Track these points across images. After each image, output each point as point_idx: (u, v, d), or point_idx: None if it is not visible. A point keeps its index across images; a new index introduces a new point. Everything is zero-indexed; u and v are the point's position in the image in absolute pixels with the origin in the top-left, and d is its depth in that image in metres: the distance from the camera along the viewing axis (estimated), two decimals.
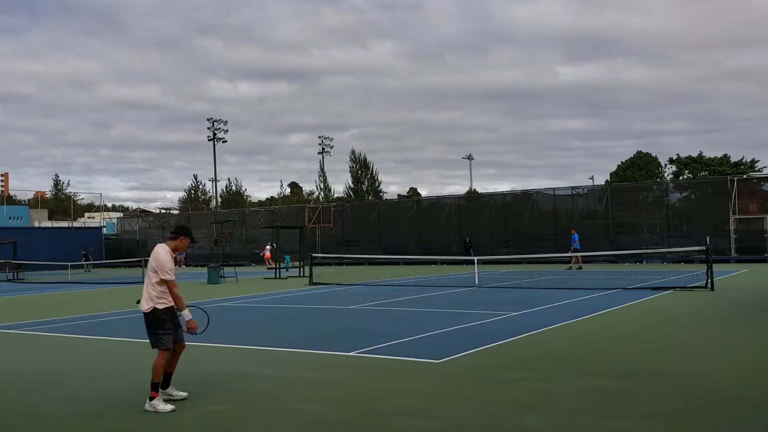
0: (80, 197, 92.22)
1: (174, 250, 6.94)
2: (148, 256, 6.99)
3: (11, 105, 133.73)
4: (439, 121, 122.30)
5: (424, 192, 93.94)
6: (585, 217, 38.88)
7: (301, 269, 31.34)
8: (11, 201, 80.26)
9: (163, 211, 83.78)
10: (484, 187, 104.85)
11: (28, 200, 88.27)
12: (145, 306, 6.73)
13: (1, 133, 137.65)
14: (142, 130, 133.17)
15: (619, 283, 20.81)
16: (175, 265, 7.05)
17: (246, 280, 29.69)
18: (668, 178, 62.83)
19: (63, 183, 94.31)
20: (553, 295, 17.65)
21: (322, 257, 39.55)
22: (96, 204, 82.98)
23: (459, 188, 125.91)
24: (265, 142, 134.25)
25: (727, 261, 32.17)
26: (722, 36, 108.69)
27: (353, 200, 69.33)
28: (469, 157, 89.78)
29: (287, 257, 37.38)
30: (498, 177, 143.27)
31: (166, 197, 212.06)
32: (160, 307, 6.71)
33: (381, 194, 77.67)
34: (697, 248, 25.51)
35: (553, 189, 41.46)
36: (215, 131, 68.05)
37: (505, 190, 48.49)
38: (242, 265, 43.97)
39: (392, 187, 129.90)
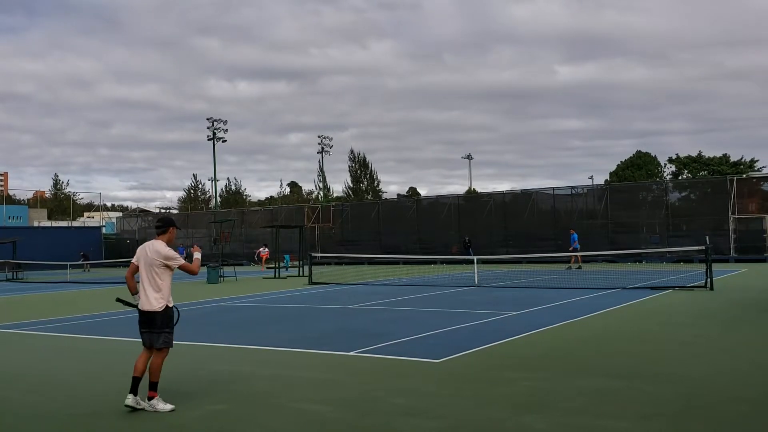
0: (80, 197, 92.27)
1: (168, 243, 6.90)
2: None
3: (10, 104, 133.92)
4: (438, 121, 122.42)
5: (423, 191, 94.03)
6: (584, 217, 38.90)
7: (301, 269, 31.34)
8: (10, 200, 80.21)
9: (162, 210, 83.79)
10: (483, 186, 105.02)
11: (28, 200, 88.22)
12: (157, 305, 6.65)
13: (0, 132, 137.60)
14: (142, 130, 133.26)
15: (619, 283, 20.82)
16: None
17: (245, 279, 29.70)
18: (668, 177, 62.83)
19: (62, 182, 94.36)
20: (552, 294, 17.66)
21: (321, 257, 39.57)
22: (95, 203, 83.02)
23: (458, 188, 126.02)
24: (265, 142, 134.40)
25: (726, 261, 32.19)
26: (721, 36, 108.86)
27: (353, 200, 69.35)
28: (469, 157, 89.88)
29: (287, 257, 37.38)
30: (497, 177, 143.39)
31: (166, 197, 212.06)
32: (170, 305, 6.73)
33: (381, 194, 77.73)
34: (696, 248, 25.52)
35: (553, 189, 41.50)
36: (215, 131, 68.03)
37: (504, 189, 48.57)
38: (241, 265, 43.97)
39: (392, 186, 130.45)
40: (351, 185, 78.38)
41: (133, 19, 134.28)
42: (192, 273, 6.87)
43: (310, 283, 24.87)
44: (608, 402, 6.41)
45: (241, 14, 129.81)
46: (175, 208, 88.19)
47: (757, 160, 61.97)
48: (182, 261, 6.74)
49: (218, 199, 77.68)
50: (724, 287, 18.28)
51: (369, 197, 73.37)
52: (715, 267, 19.39)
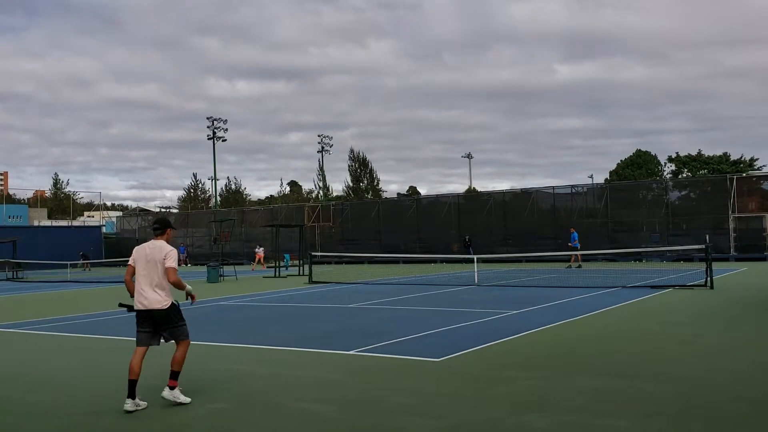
0: (80, 196, 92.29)
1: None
2: None
3: (10, 104, 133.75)
4: (438, 120, 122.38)
5: (423, 191, 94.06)
6: (584, 216, 38.90)
7: (301, 268, 31.35)
8: (11, 200, 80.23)
9: (162, 209, 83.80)
10: (483, 185, 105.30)
11: (28, 199, 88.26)
12: (164, 302, 6.71)
13: (0, 132, 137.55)
14: (141, 129, 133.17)
15: (619, 282, 20.82)
16: (180, 264, 7.11)
17: (245, 278, 29.70)
18: (667, 176, 62.83)
19: (62, 182, 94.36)
20: (552, 293, 17.66)
21: (321, 256, 39.57)
22: (95, 203, 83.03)
23: (458, 187, 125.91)
24: (264, 141, 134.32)
25: (726, 259, 32.20)
26: (720, 35, 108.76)
27: (353, 199, 69.35)
28: (469, 156, 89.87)
29: (287, 256, 37.39)
30: (497, 175, 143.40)
31: (165, 196, 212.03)
32: (172, 299, 6.82)
33: (381, 193, 77.74)
34: (696, 246, 25.52)
35: (553, 187, 41.48)
36: (215, 130, 68.01)
37: (504, 188, 48.56)
38: (241, 264, 43.97)
39: (392, 185, 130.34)
40: (351, 184, 78.40)
41: (133, 19, 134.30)
42: (176, 285, 6.78)
43: (310, 282, 24.88)
44: (608, 401, 6.42)
45: (241, 14, 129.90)
46: (175, 208, 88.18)
47: (757, 159, 62.02)
48: (175, 265, 6.75)
49: (218, 198, 77.68)
50: (724, 286, 18.28)
51: (369, 196, 73.38)
52: (715, 266, 19.39)
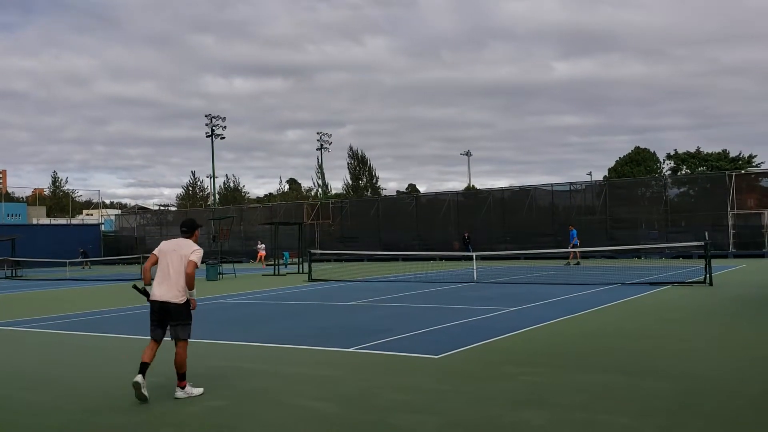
0: (78, 194, 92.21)
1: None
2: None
3: (6, 102, 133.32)
4: (436, 118, 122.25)
5: (422, 188, 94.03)
6: (583, 213, 38.91)
7: (300, 266, 31.35)
8: (9, 198, 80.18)
9: (161, 207, 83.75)
10: (482, 183, 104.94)
11: (26, 197, 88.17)
12: (180, 297, 6.88)
13: None
14: (138, 127, 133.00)
15: (618, 279, 20.84)
16: None
17: (244, 276, 29.71)
18: (666, 173, 62.88)
19: (61, 180, 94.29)
20: (551, 290, 17.68)
21: (320, 254, 39.59)
22: (94, 201, 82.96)
23: (457, 184, 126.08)
24: (262, 139, 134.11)
25: (725, 256, 32.23)
26: (717, 31, 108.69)
27: (352, 197, 69.35)
28: (467, 154, 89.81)
29: (286, 254, 37.39)
30: (496, 173, 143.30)
31: (164, 194, 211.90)
32: (188, 296, 6.98)
33: (380, 191, 77.76)
34: (695, 243, 25.54)
35: (551, 185, 41.50)
36: (213, 127, 67.91)
37: (503, 186, 48.56)
38: (240, 262, 43.98)
39: (391, 183, 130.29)
40: (350, 182, 78.40)
41: (129, 16, 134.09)
42: (189, 278, 6.95)
43: (310, 280, 24.88)
44: (607, 398, 6.42)
45: (237, 11, 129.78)
46: (173, 206, 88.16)
47: (756, 156, 62.10)
48: (198, 261, 7.00)
49: (217, 196, 77.65)
50: (723, 283, 18.30)
51: (368, 194, 73.39)
52: (714, 262, 19.41)
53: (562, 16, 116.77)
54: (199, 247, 7.09)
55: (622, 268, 27.03)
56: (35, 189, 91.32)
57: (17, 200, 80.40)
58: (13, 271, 38.91)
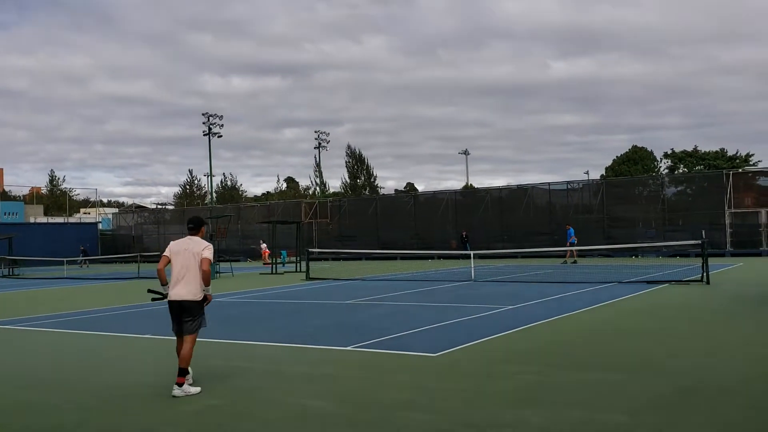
0: (76, 193, 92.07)
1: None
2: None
3: (3, 100, 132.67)
4: (434, 116, 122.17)
5: (420, 187, 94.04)
6: (580, 212, 38.94)
7: (298, 264, 31.35)
8: (6, 196, 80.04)
9: (159, 206, 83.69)
10: (480, 182, 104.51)
11: (24, 196, 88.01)
12: (197, 295, 7.12)
13: None
14: (136, 125, 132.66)
15: (615, 277, 20.87)
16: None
17: (242, 275, 29.69)
18: (664, 172, 62.95)
19: (58, 179, 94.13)
20: (548, 289, 17.70)
21: (318, 252, 39.58)
22: (92, 199, 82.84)
23: (455, 183, 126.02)
24: (259, 137, 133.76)
25: (722, 255, 32.29)
26: (714, 30, 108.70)
27: (350, 195, 69.33)
28: (466, 153, 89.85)
29: (283, 252, 37.38)
30: (493, 172, 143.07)
31: (161, 192, 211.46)
32: (204, 293, 7.21)
33: (378, 189, 77.77)
34: (692, 242, 25.58)
35: (549, 184, 41.57)
36: (210, 126, 67.82)
37: (500, 185, 48.55)
38: (238, 261, 43.96)
39: (389, 182, 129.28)
40: (348, 181, 78.38)
41: (125, 15, 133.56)
42: (205, 275, 7.16)
43: (308, 278, 24.88)
44: (605, 396, 6.43)
45: (234, 9, 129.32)
46: (171, 204, 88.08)
47: (753, 155, 62.21)
48: (211, 258, 7.17)
49: (214, 194, 77.56)
50: (720, 281, 18.33)
51: (366, 193, 73.39)
52: (711, 261, 19.45)
53: (559, 15, 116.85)
54: (209, 244, 7.28)
55: (619, 266, 27.06)
56: (32, 187, 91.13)
57: (14, 199, 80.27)
58: (10, 269, 38.85)
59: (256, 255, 44.76)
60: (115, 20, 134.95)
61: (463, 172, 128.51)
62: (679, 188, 39.55)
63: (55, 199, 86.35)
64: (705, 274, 17.81)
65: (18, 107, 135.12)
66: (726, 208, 34.60)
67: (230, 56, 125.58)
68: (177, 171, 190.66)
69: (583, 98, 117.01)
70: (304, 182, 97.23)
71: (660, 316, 11.99)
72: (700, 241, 19.33)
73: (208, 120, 67.41)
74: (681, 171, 61.51)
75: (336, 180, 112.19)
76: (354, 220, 47.14)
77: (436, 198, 46.46)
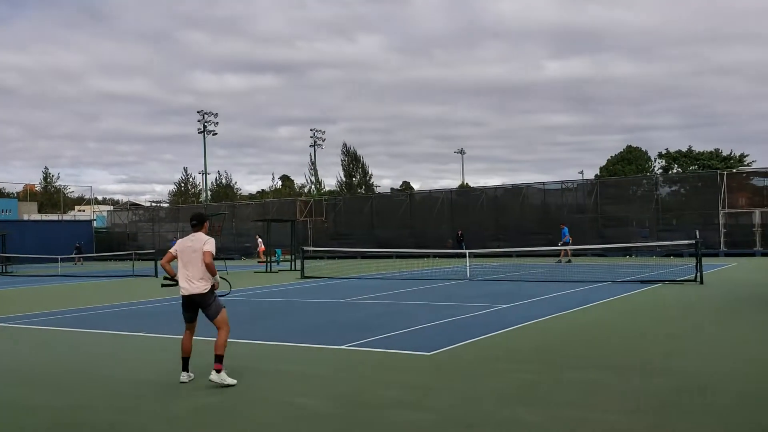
0: (70, 190, 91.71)
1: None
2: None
3: None
4: (429, 115, 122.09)
5: (416, 186, 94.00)
6: (574, 211, 39.02)
7: (293, 263, 31.31)
8: (0, 194, 79.68)
9: (153, 204, 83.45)
10: (475, 181, 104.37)
11: (17, 193, 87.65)
12: (203, 288, 7.39)
13: None
14: (130, 123, 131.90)
15: (609, 277, 20.93)
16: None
17: (236, 273, 29.65)
18: (658, 172, 63.12)
19: (52, 176, 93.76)
20: (542, 288, 17.73)
21: (313, 251, 39.55)
22: (86, 197, 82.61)
23: (451, 182, 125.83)
24: (254, 135, 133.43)
25: (716, 255, 32.38)
26: (707, 31, 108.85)
27: (345, 194, 69.31)
28: (461, 152, 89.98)
29: (278, 251, 37.34)
30: (488, 171, 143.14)
31: (155, 190, 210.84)
32: (211, 284, 7.49)
33: (374, 188, 77.76)
34: (686, 242, 25.64)
35: (543, 183, 41.64)
36: (205, 123, 67.74)
37: (495, 184, 48.56)
38: (233, 259, 43.90)
39: (385, 180, 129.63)
40: (343, 179, 78.36)
41: (119, 12, 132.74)
42: (209, 267, 7.41)
43: (303, 277, 24.87)
44: (599, 395, 6.46)
45: (228, 7, 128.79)
46: (166, 202, 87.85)
47: (747, 155, 62.45)
48: (212, 250, 7.40)
49: (209, 192, 77.42)
50: (713, 281, 18.40)
51: (361, 191, 73.38)
52: (705, 261, 19.51)
53: (553, 15, 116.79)
54: (210, 238, 7.50)
55: (613, 266, 27.13)
56: (26, 185, 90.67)
57: (8, 196, 79.93)
58: (3, 267, 38.75)
59: (251, 253, 44.69)
60: (108, 17, 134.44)
61: (458, 171, 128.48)
62: (673, 188, 39.67)
63: (50, 196, 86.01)
64: (699, 274, 17.86)
65: (11, 104, 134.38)
66: (720, 208, 34.71)
67: (224, 54, 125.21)
68: (172, 169, 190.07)
69: (577, 98, 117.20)
70: (299, 180, 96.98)
71: (654, 316, 12.03)
72: (693, 241, 19.39)
73: (203, 118, 67.36)
74: (675, 171, 61.69)
75: (331, 178, 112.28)
76: (349, 219, 47.12)
77: (431, 197, 46.48)
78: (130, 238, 56.26)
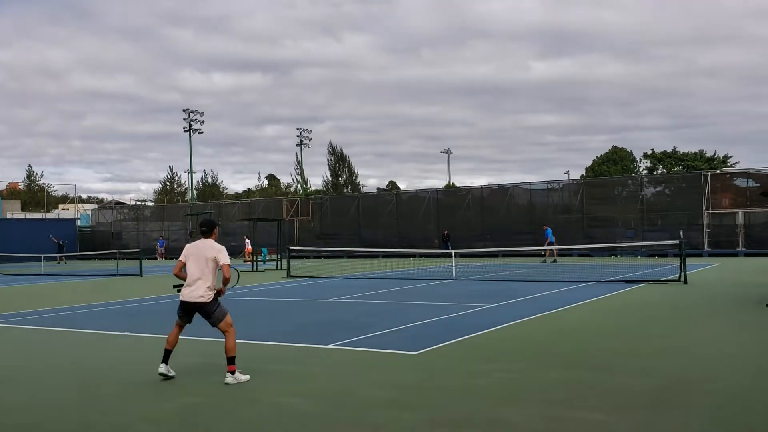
0: (54, 189, 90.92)
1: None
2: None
3: None
4: (416, 115, 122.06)
5: (403, 185, 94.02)
6: (560, 212, 39.21)
7: (279, 262, 31.23)
8: None
9: (138, 203, 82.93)
10: (461, 181, 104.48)
11: (0, 191, 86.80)
12: (207, 297, 7.40)
13: None
14: (115, 121, 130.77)
15: (594, 276, 21.03)
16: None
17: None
18: (643, 172, 63.54)
19: (36, 174, 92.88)
20: (528, 287, 17.79)
21: (300, 250, 39.49)
22: (70, 195, 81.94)
23: (437, 182, 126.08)
24: (240, 134, 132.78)
25: (699, 255, 32.65)
26: (693, 33, 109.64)
27: (332, 193, 69.22)
28: (448, 152, 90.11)
29: (264, 250, 37.22)
30: (475, 171, 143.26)
31: (141, 189, 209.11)
32: (215, 292, 7.51)
33: (360, 187, 77.71)
34: (670, 242, 25.83)
35: (529, 183, 41.77)
36: (191, 122, 67.34)
37: (482, 184, 48.68)
38: None
39: (371, 180, 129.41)
40: (330, 179, 78.29)
41: (104, 9, 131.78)
42: (226, 280, 7.48)
43: (289, 276, 24.80)
44: (583, 394, 6.48)
45: (214, 5, 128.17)
46: (151, 201, 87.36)
47: (731, 156, 63.04)
48: (229, 262, 7.48)
49: (194, 191, 77.03)
50: (697, 281, 18.54)
51: (347, 191, 73.33)
52: (689, 261, 19.66)
53: (540, 15, 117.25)
54: (222, 247, 7.55)
55: (599, 266, 27.28)
56: (9, 183, 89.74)
57: None
58: None
59: (237, 252, 44.52)
60: (93, 14, 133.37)
61: (445, 171, 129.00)
62: (658, 189, 39.93)
63: (33, 194, 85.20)
64: (683, 273, 18.00)
65: None
66: (704, 208, 35.00)
67: (211, 52, 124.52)
68: (157, 167, 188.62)
69: (563, 98, 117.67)
70: (285, 180, 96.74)
71: (638, 316, 12.09)
72: (678, 241, 19.53)
73: (189, 116, 66.96)
74: (660, 172, 62.14)
75: (317, 178, 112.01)
76: (336, 219, 47.06)
77: (418, 197, 46.51)
78: (115, 237, 55.86)
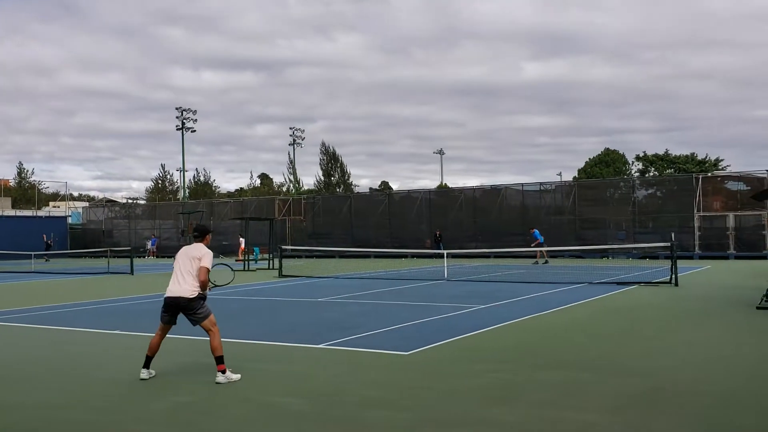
0: (45, 186, 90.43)
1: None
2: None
3: None
4: (408, 116, 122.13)
5: (395, 186, 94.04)
6: (552, 213, 39.31)
7: (271, 262, 31.17)
8: None
9: (129, 200, 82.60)
10: (453, 181, 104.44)
11: None
12: (192, 292, 7.50)
13: None
14: (106, 119, 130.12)
15: (585, 278, 21.09)
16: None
17: (214, 271, 29.41)
18: (635, 175, 63.77)
19: (27, 171, 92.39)
20: (520, 288, 17.82)
21: (292, 249, 39.41)
22: (61, 193, 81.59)
23: (429, 183, 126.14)
24: (232, 133, 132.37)
25: (690, 257, 32.80)
26: (685, 36, 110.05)
27: (324, 193, 69.16)
28: (440, 152, 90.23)
29: (256, 249, 37.15)
30: (467, 172, 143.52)
31: (132, 187, 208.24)
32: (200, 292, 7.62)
33: (353, 187, 77.67)
34: (662, 244, 25.94)
35: (522, 185, 41.82)
36: (183, 120, 67.14)
37: (474, 185, 48.73)
38: None
39: (363, 180, 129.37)
40: (322, 178, 78.20)
41: (95, 6, 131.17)
42: (202, 282, 7.58)
43: (280, 276, 24.76)
44: (575, 395, 6.49)
45: (206, 3, 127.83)
46: (143, 199, 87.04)
47: (722, 159, 63.35)
48: (209, 266, 7.60)
49: (186, 190, 76.80)
50: (688, 283, 18.62)
51: (340, 191, 73.29)
52: (680, 263, 19.75)
53: (532, 17, 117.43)
54: (209, 251, 7.68)
55: (590, 267, 27.37)
56: (0, 180, 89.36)
57: None
58: None
59: (229, 252, 44.40)
60: (84, 11, 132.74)
61: (437, 172, 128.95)
62: (649, 191, 40.06)
63: (24, 192, 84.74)
64: (674, 275, 18.07)
65: None
66: (695, 211, 35.15)
67: (202, 51, 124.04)
68: (148, 165, 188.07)
69: (556, 100, 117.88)
70: (278, 179, 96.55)
71: (629, 317, 12.13)
72: (669, 244, 19.61)
73: (182, 114, 66.77)
74: (652, 174, 62.35)
75: (310, 177, 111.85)
76: (328, 218, 47.00)
77: (410, 197, 46.51)
78: (106, 235, 55.60)
